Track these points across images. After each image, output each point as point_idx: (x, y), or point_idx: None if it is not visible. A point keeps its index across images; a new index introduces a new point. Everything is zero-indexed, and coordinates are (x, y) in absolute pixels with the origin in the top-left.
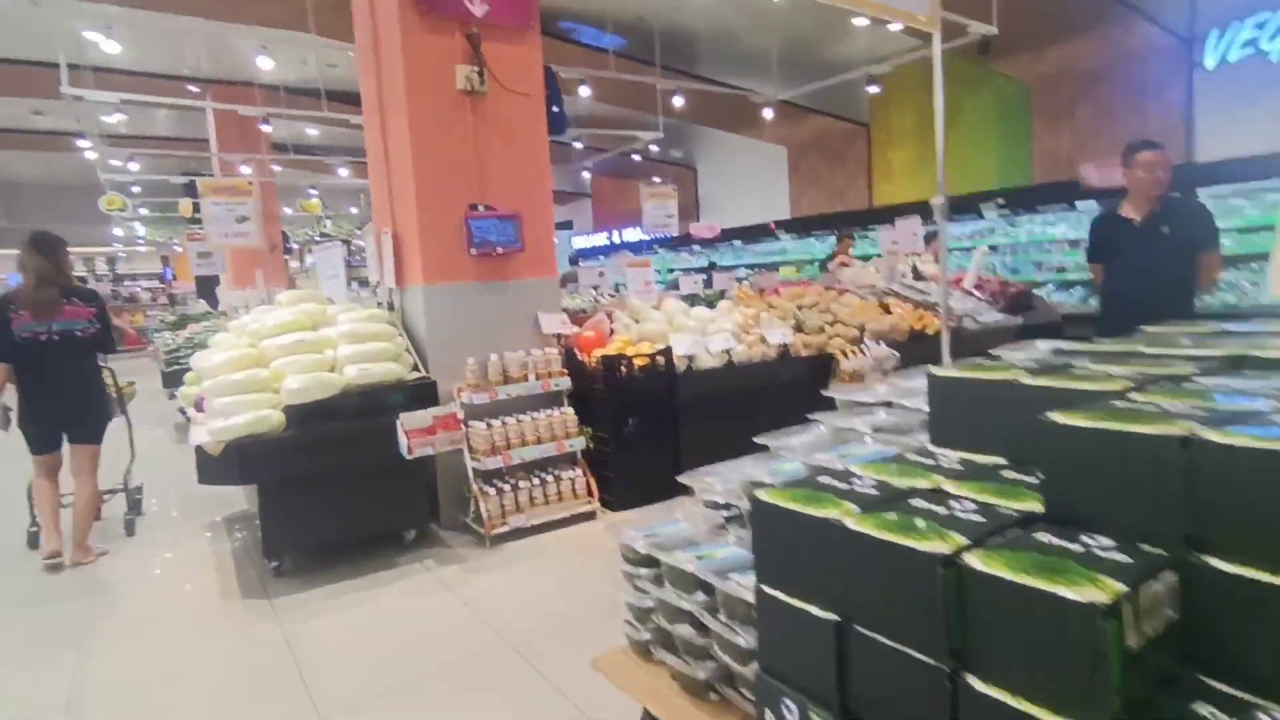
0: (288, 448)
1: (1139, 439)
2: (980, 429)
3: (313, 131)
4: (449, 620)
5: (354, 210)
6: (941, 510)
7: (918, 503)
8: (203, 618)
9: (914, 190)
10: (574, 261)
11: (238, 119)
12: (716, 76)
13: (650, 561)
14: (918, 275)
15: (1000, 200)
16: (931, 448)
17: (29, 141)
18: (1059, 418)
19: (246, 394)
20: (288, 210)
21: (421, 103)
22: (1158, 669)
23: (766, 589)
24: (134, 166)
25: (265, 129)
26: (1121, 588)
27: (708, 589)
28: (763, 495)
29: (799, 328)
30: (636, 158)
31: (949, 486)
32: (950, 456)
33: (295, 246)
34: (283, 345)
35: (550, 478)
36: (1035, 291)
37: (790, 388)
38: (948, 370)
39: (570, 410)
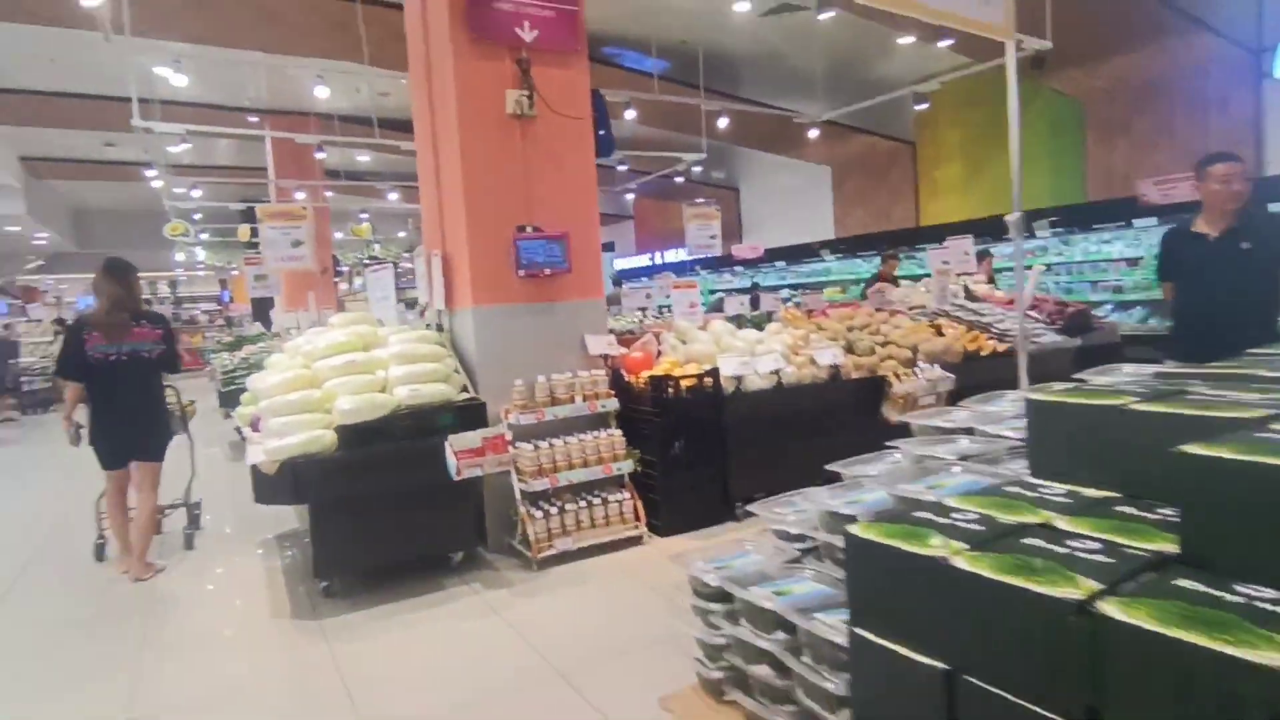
0: (339, 468)
1: None
2: (1087, 459)
3: (364, 158)
4: (498, 646)
5: (402, 234)
6: (1059, 549)
7: (1031, 541)
8: (255, 637)
9: (961, 209)
10: (617, 283)
11: (293, 147)
12: (759, 98)
13: (723, 596)
14: (969, 295)
15: (1053, 218)
16: (1031, 478)
17: (100, 172)
18: (1197, 450)
19: (300, 414)
20: (338, 234)
21: (472, 126)
22: None
23: (862, 632)
24: (196, 194)
25: (320, 156)
26: None
27: (789, 627)
28: (856, 530)
29: (849, 349)
30: (679, 179)
31: (1062, 523)
32: (1054, 488)
33: (345, 269)
34: (335, 366)
35: (597, 501)
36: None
37: (841, 410)
38: (1048, 394)
39: (617, 432)
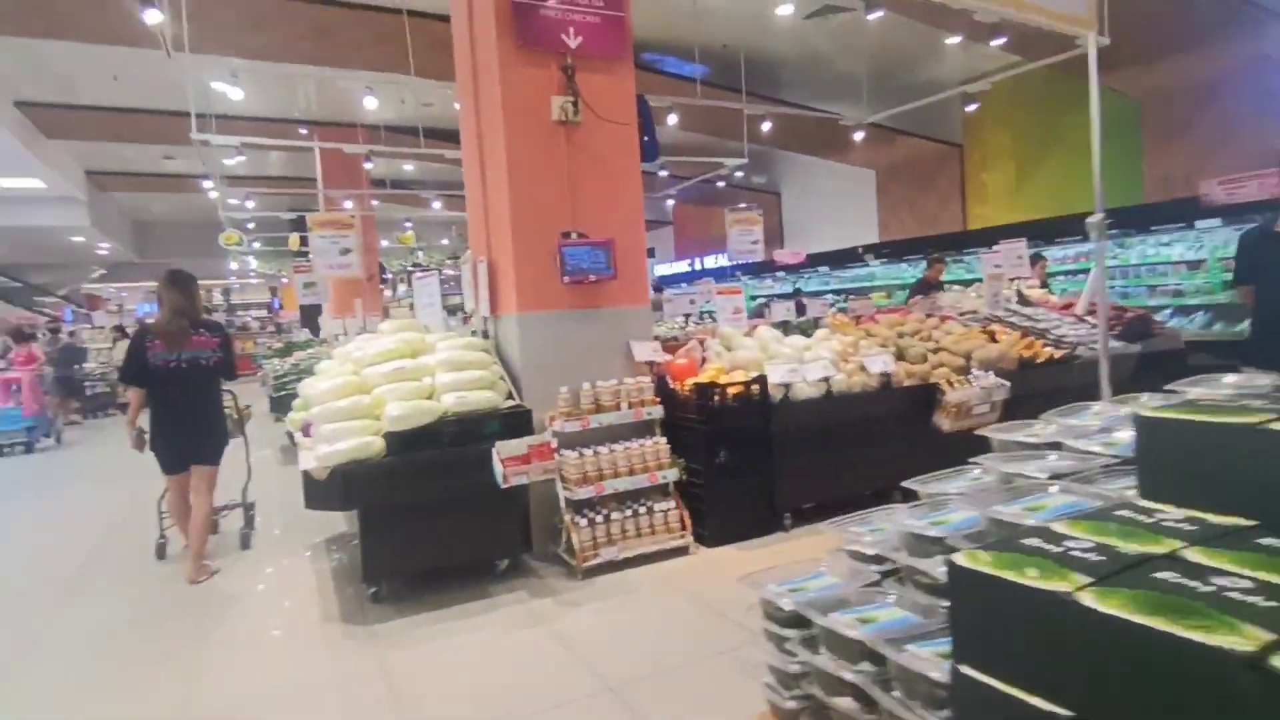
0: (388, 474)
1: None
2: (1212, 482)
3: (408, 167)
4: (545, 657)
5: (445, 241)
6: (1201, 587)
7: (1164, 575)
8: (306, 641)
9: (1010, 212)
10: (657, 289)
11: (341, 157)
12: (802, 101)
13: (799, 621)
14: (1023, 300)
15: (1108, 220)
16: (1141, 501)
17: (160, 184)
18: None
19: (350, 420)
20: (384, 242)
21: (518, 133)
22: None
23: (969, 670)
24: (250, 204)
25: (367, 166)
26: None
27: (875, 658)
28: (961, 560)
29: (900, 356)
30: (720, 184)
31: (1194, 554)
32: (1171, 514)
33: (389, 276)
34: (384, 373)
35: (643, 510)
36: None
37: (892, 419)
38: (1160, 411)
39: (663, 440)
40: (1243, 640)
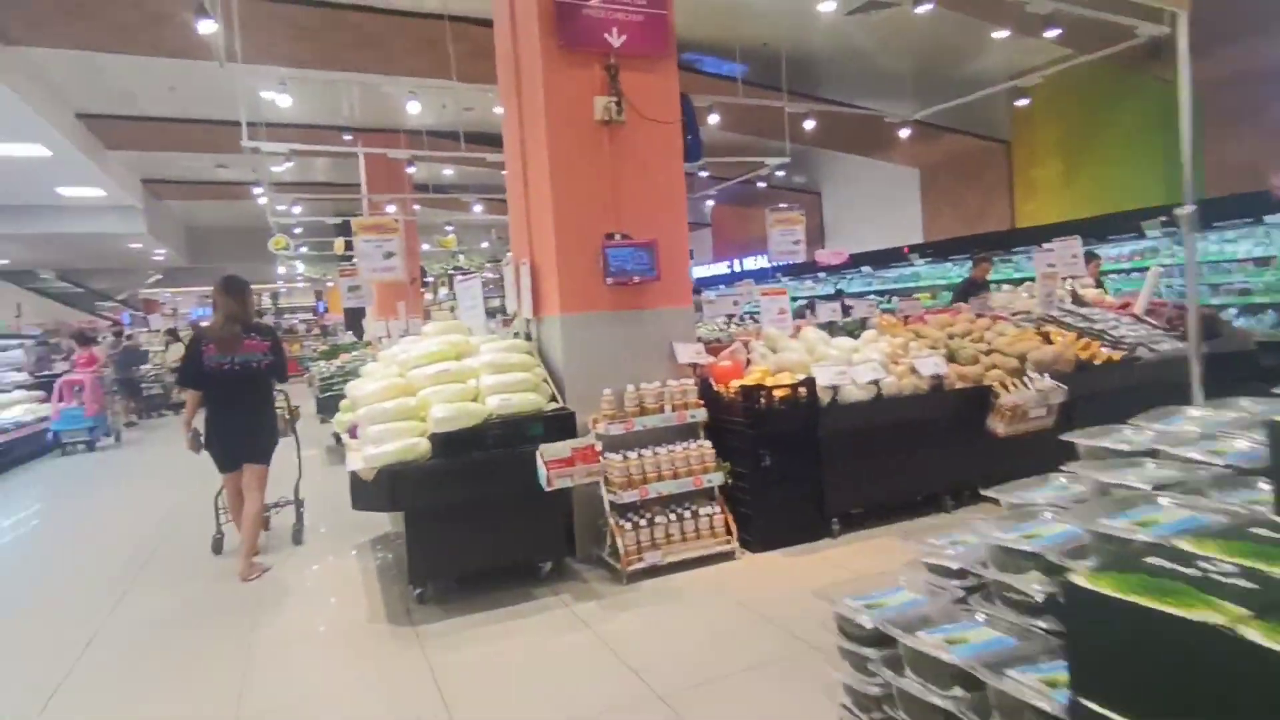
0: (434, 476)
1: None
2: None
3: (449, 171)
4: (593, 662)
5: (485, 245)
6: None
7: None
8: (354, 641)
9: (1060, 210)
10: (695, 291)
11: (384, 163)
12: (844, 99)
13: (880, 639)
14: (1077, 300)
15: (1164, 217)
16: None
17: (212, 191)
18: None
19: (396, 422)
20: (425, 246)
21: (561, 134)
22: None
23: (1091, 704)
24: (296, 210)
25: (410, 170)
26: None
27: (968, 682)
28: (1082, 581)
29: (951, 358)
30: (761, 185)
31: None
32: None
33: (431, 279)
34: (429, 375)
35: (687, 514)
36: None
37: (943, 423)
38: None
39: (707, 443)
40: None
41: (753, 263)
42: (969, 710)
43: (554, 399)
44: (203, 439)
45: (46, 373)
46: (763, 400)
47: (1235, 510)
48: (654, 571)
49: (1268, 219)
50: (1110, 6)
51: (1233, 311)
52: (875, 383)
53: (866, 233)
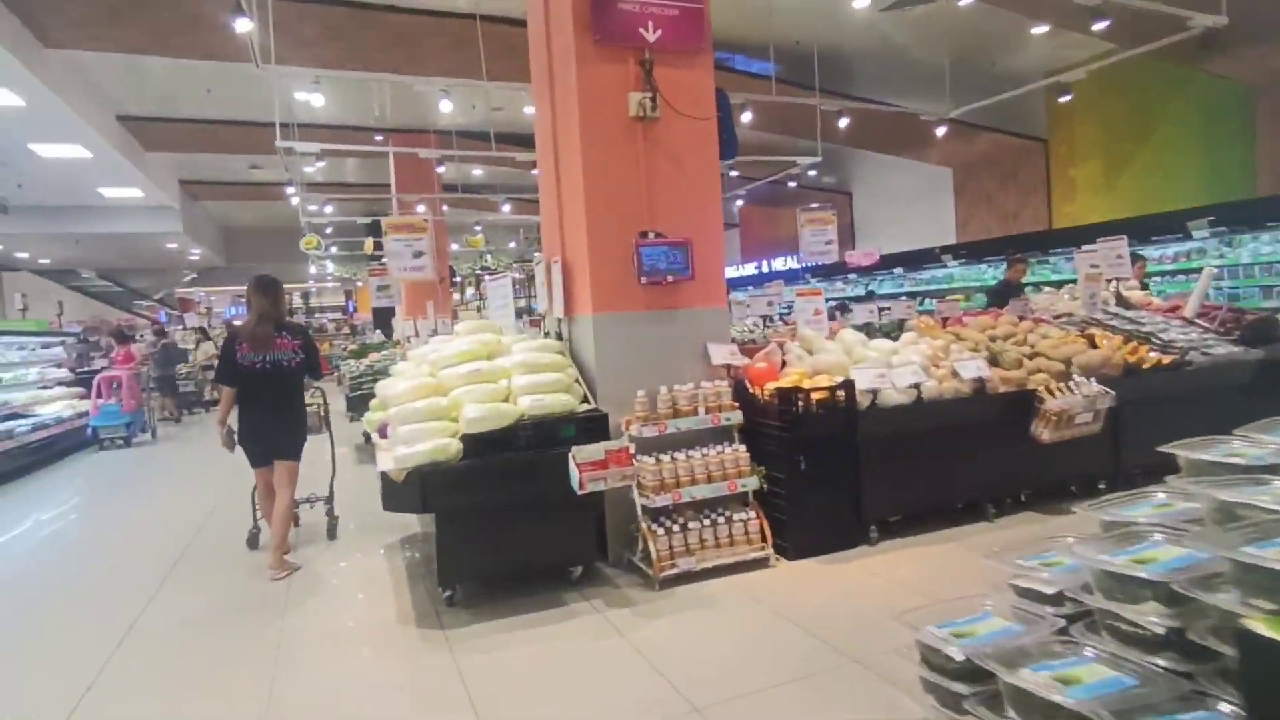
0: (465, 477)
1: None
2: None
3: (478, 172)
4: (627, 671)
5: (512, 245)
6: None
7: None
8: (383, 644)
9: (1100, 209)
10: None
11: (413, 163)
12: (876, 97)
13: (972, 673)
14: (1122, 302)
15: (1211, 217)
16: None
17: (246, 192)
18: None
19: (428, 422)
20: (454, 246)
21: (594, 131)
22: None
23: None
24: (328, 210)
25: (440, 170)
26: None
27: None
28: (1262, 629)
29: (994, 361)
30: (792, 184)
31: None
32: None
33: (458, 279)
34: (461, 374)
35: (721, 519)
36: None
37: (985, 428)
38: None
39: (742, 447)
40: None
41: (781, 263)
42: None
43: (586, 400)
44: (236, 436)
45: (86, 369)
46: (800, 403)
47: None
48: (687, 578)
49: None
50: None
51: None
52: (916, 386)
53: (897, 233)
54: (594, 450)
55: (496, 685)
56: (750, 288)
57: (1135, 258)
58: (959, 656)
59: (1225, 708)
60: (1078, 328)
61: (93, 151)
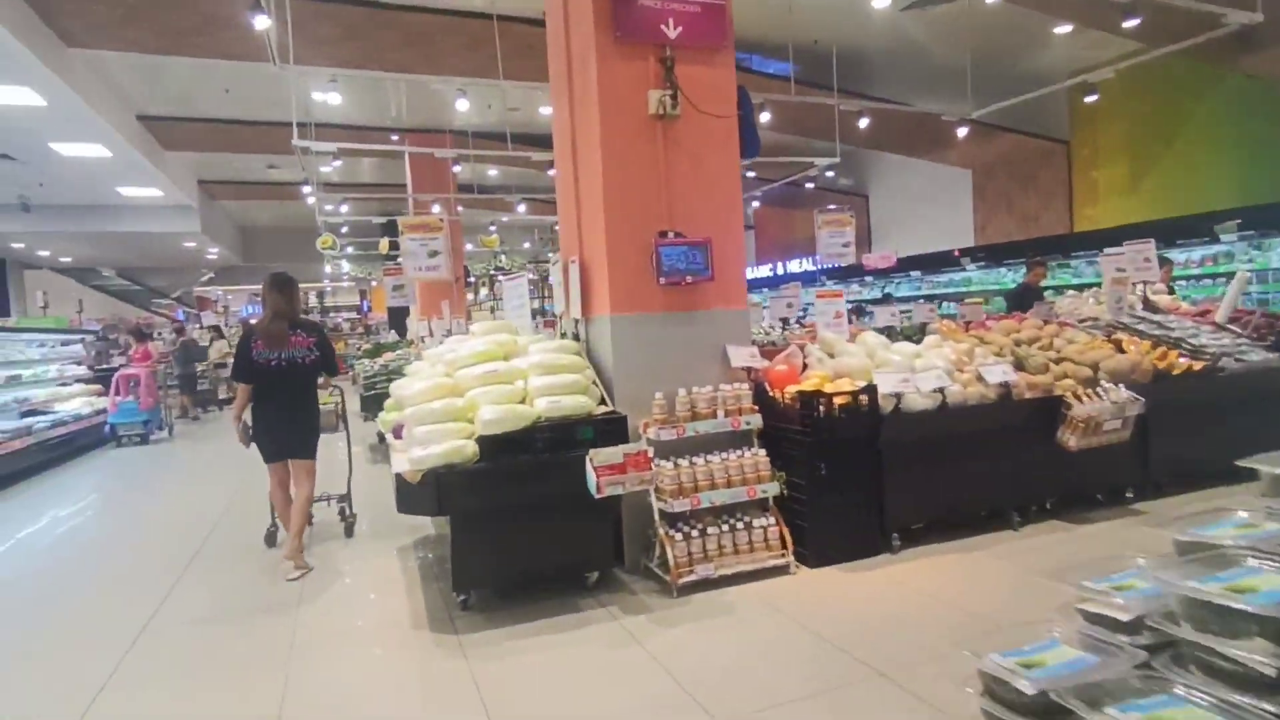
0: (481, 479)
1: None
2: None
3: (493, 172)
4: (645, 681)
5: (527, 245)
6: None
7: None
8: (396, 648)
9: (1124, 212)
10: None
11: (429, 163)
12: (895, 98)
13: (1045, 708)
14: (1150, 307)
15: (1239, 220)
16: None
17: (263, 192)
18: None
19: (443, 423)
20: (469, 246)
21: (613, 129)
22: None
23: None
24: (344, 209)
25: (456, 170)
26: None
27: None
28: None
29: (1019, 366)
30: (809, 185)
31: None
32: None
33: (472, 280)
34: (477, 375)
35: (740, 525)
36: None
37: (1010, 434)
38: None
39: (761, 451)
40: None
41: (796, 265)
42: None
43: (603, 402)
44: (251, 432)
45: (104, 366)
46: (822, 407)
47: None
48: (705, 585)
49: None
50: None
51: None
52: (940, 390)
53: (914, 236)
54: (612, 453)
55: (511, 692)
56: (765, 289)
57: (1162, 261)
58: (1030, 690)
59: None
60: (1104, 332)
61: (113, 151)
